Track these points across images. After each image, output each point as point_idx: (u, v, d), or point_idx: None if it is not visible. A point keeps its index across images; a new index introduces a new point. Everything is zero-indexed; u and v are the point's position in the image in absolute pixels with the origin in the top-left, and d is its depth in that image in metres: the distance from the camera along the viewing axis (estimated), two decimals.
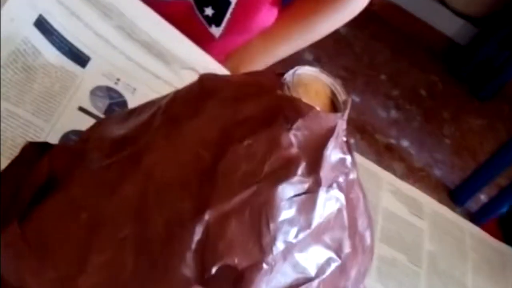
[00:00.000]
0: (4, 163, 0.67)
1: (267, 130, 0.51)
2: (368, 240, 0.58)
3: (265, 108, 0.52)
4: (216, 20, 1.07)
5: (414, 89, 3.32)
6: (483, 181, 2.92)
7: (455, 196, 2.88)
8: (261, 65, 1.17)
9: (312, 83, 0.52)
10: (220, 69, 0.91)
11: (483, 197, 3.00)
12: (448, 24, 3.47)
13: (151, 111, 0.57)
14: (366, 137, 2.85)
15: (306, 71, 0.52)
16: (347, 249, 0.55)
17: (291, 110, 0.51)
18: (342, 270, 0.55)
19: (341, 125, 0.53)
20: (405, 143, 3.04)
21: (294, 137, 0.51)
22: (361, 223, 0.57)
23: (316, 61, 2.98)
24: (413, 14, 3.45)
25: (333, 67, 3.04)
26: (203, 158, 0.51)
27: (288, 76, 0.52)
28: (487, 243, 1.03)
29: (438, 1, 3.30)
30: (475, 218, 2.74)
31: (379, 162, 1.98)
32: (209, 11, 1.06)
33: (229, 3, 1.04)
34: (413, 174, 2.92)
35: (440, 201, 1.02)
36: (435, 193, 2.81)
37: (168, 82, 0.85)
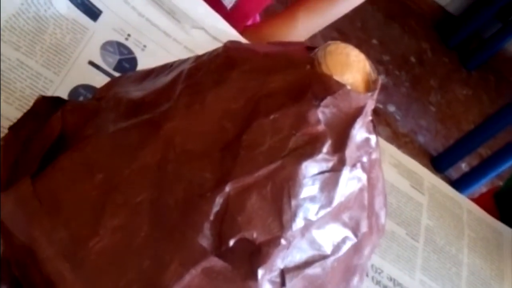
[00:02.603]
0: (13, 114, 0.66)
1: (295, 105, 0.50)
2: (382, 219, 0.58)
3: (294, 83, 0.50)
4: None
5: (404, 55, 3.31)
6: (466, 150, 2.95)
7: (436, 163, 2.90)
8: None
9: (343, 59, 0.51)
10: (230, 32, 0.89)
11: (464, 166, 3.02)
12: None
13: (172, 76, 0.56)
14: None
15: (337, 46, 0.51)
16: (364, 228, 0.54)
17: (321, 86, 0.50)
18: (356, 248, 0.55)
19: (370, 105, 0.52)
20: (391, 108, 3.05)
21: (321, 114, 0.50)
22: (378, 202, 0.57)
23: None
24: None
25: (326, 28, 3.01)
26: (227, 130, 0.50)
27: (319, 50, 0.51)
28: (484, 221, 1.03)
29: None
30: (455, 186, 2.76)
31: None
32: None
33: None
34: (397, 139, 2.93)
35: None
36: (417, 159, 2.81)
37: (178, 41, 0.83)
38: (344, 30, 3.09)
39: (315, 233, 0.51)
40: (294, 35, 1.14)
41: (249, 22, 1.18)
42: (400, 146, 2.89)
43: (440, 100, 3.31)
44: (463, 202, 1.02)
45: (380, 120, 2.95)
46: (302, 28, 1.17)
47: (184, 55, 0.82)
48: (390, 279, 0.85)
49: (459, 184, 2.78)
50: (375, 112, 2.90)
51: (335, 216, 0.52)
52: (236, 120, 0.50)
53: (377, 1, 3.37)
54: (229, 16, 1.07)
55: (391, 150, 1.00)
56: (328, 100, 0.50)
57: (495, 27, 3.42)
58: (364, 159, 0.53)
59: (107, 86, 0.63)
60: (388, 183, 0.93)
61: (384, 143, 0.99)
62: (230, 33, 0.89)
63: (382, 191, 0.57)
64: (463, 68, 3.50)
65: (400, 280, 0.86)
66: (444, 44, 3.50)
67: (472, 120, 3.24)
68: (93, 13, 0.78)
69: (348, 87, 0.50)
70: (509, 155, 2.67)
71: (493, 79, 3.57)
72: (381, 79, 3.05)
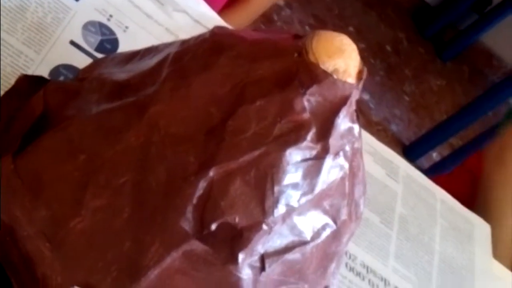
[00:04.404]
0: None
1: (281, 92, 0.50)
2: (361, 207, 0.59)
3: (280, 70, 0.51)
4: None
5: (380, 44, 3.33)
6: (437, 140, 2.97)
7: (408, 152, 2.92)
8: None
9: (336, 45, 0.51)
10: (212, 15, 0.89)
11: (435, 155, 3.04)
12: None
13: (157, 59, 0.56)
14: None
15: (329, 34, 0.52)
16: (343, 216, 0.55)
17: (307, 75, 0.50)
18: (335, 236, 0.55)
19: (355, 94, 0.52)
20: (365, 97, 3.06)
21: (307, 102, 0.50)
22: (358, 191, 0.57)
23: (288, 7, 2.97)
24: None
25: (303, 14, 3.02)
26: (212, 115, 0.50)
27: (307, 39, 0.51)
28: (457, 211, 1.04)
29: None
30: (425, 175, 2.78)
31: None
32: None
33: None
34: (370, 127, 2.94)
35: None
36: (390, 147, 2.83)
37: (160, 23, 0.83)
38: (321, 16, 3.09)
39: (296, 219, 0.52)
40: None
41: None
42: (373, 134, 2.89)
43: (414, 89, 3.33)
44: (437, 191, 1.03)
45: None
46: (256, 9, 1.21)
47: (165, 37, 0.82)
48: (364, 266, 0.86)
49: (429, 173, 2.80)
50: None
51: (316, 203, 0.52)
52: (222, 105, 0.51)
53: None
54: None
55: (367, 138, 1.00)
56: (314, 88, 0.50)
57: (471, 19, 3.43)
58: (347, 148, 0.53)
59: (90, 67, 0.63)
60: (364, 171, 0.93)
61: (362, 132, 0.99)
62: (212, 16, 0.89)
63: (362, 180, 0.58)
64: (438, 59, 3.52)
65: (373, 267, 0.87)
66: (420, 34, 3.51)
67: (445, 110, 3.26)
68: None
69: (335, 76, 0.50)
70: (479, 146, 2.70)
71: (467, 71, 3.60)
72: None
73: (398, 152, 1.04)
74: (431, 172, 2.82)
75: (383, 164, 0.99)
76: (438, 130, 2.94)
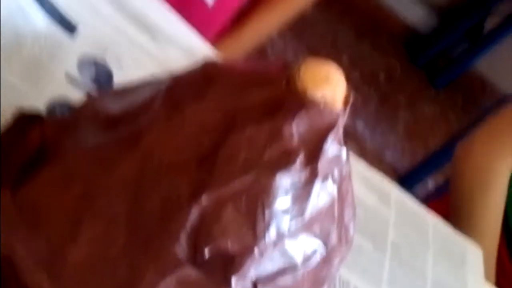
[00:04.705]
0: None
1: (270, 120, 0.52)
2: (351, 231, 0.60)
3: (269, 98, 0.52)
4: None
5: (373, 72, 3.35)
6: (432, 168, 2.98)
7: (403, 181, 2.93)
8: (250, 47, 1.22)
9: (323, 74, 0.53)
10: (204, 48, 0.91)
11: (430, 184, 3.05)
12: (411, 12, 3.52)
13: (151, 91, 0.58)
14: None
15: (316, 62, 0.53)
16: (334, 240, 0.56)
17: (295, 102, 0.52)
18: (326, 260, 0.57)
19: (342, 121, 0.54)
20: (360, 125, 3.08)
21: (295, 129, 0.52)
22: (347, 214, 0.59)
23: (281, 38, 2.99)
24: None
25: (296, 45, 3.05)
26: (204, 143, 0.52)
27: (295, 67, 0.53)
28: (449, 236, 1.05)
29: None
30: (421, 203, 2.79)
31: None
32: None
33: None
34: (365, 155, 2.94)
35: None
36: (384, 175, 2.84)
37: (154, 57, 0.85)
38: (314, 46, 3.12)
39: (287, 243, 0.53)
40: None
41: (230, 18, 1.23)
42: (367, 162, 2.91)
43: (408, 117, 3.35)
44: (429, 217, 1.05)
45: (349, 136, 2.97)
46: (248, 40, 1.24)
47: (159, 70, 0.83)
48: None
49: (425, 202, 2.80)
50: (344, 128, 2.93)
51: (306, 227, 0.54)
52: (213, 133, 0.52)
53: (349, 18, 3.41)
54: (211, 13, 1.11)
55: (360, 165, 1.02)
56: (302, 115, 0.52)
57: (463, 46, 3.46)
58: (335, 172, 0.55)
59: (85, 101, 0.65)
60: (356, 197, 0.95)
61: (353, 158, 1.01)
62: (204, 48, 0.91)
63: (351, 203, 0.59)
64: (431, 87, 3.54)
65: None
66: (413, 62, 3.54)
67: (439, 138, 3.28)
68: (71, 27, 0.79)
69: (322, 103, 0.52)
70: None
71: (461, 98, 3.62)
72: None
73: (393, 181, 1.05)
74: (427, 200, 2.82)
75: (375, 190, 1.00)
76: (432, 158, 2.95)
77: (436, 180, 3.04)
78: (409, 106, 3.38)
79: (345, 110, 0.54)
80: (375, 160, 2.97)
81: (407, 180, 2.94)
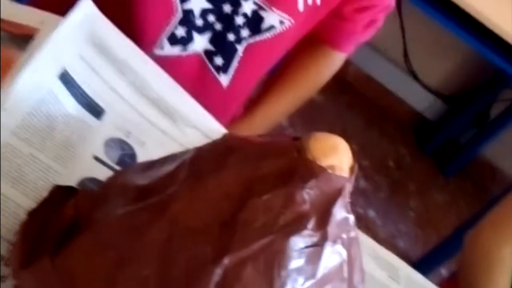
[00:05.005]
0: (27, 203, 0.73)
1: (284, 187, 0.58)
2: None
3: (283, 168, 0.59)
4: (224, 68, 1.16)
5: (383, 160, 3.39)
6: (445, 256, 2.97)
7: (417, 268, 2.93)
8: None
9: (330, 144, 0.59)
10: (221, 130, 0.97)
11: (443, 271, 3.06)
12: (419, 99, 3.57)
13: (176, 164, 0.64)
14: None
15: (324, 134, 0.60)
16: None
17: (306, 171, 0.58)
18: None
19: (348, 187, 0.60)
20: (371, 213, 3.10)
21: (307, 195, 0.58)
22: (356, 277, 0.64)
23: (291, 126, 3.06)
24: (386, 87, 3.55)
25: (306, 132, 3.10)
26: (225, 209, 0.58)
27: (304, 139, 0.59)
28: None
29: (411, 77, 3.40)
30: None
31: None
32: (218, 61, 1.14)
33: (235, 50, 1.13)
34: (377, 243, 2.97)
35: None
36: None
37: (174, 138, 0.91)
38: None
39: None
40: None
41: (244, 101, 1.30)
42: None
43: (419, 205, 3.37)
44: None
45: (361, 225, 2.99)
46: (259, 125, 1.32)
47: (179, 150, 0.90)
48: None
49: None
50: (356, 217, 2.96)
51: (319, 287, 0.59)
52: (233, 200, 0.58)
53: (357, 106, 3.47)
54: (226, 94, 1.18)
55: (370, 243, 1.07)
56: (312, 182, 0.58)
57: (471, 133, 3.51)
58: (344, 235, 0.60)
59: (114, 176, 0.71)
60: (367, 274, 0.99)
61: (364, 237, 1.06)
62: (220, 131, 0.97)
63: (360, 268, 0.64)
64: (441, 174, 3.57)
65: None
66: (422, 149, 3.58)
67: (451, 225, 3.28)
68: (98, 112, 0.86)
69: (330, 170, 0.58)
70: None
71: (470, 185, 3.63)
72: (361, 184, 3.13)
73: None
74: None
75: (385, 267, 1.05)
76: (445, 245, 2.95)
77: (449, 267, 3.05)
78: (420, 194, 3.41)
79: (351, 178, 0.59)
80: (388, 248, 2.95)
81: (420, 267, 2.93)
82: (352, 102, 3.48)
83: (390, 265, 1.06)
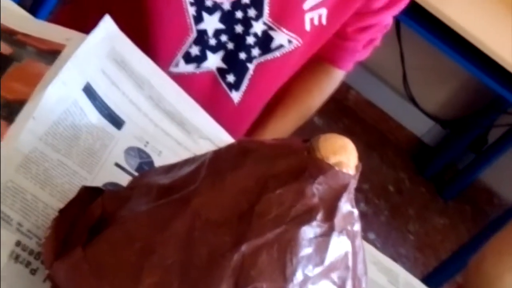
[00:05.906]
0: (56, 204, 0.79)
1: (295, 183, 0.64)
2: (363, 284, 0.71)
3: (294, 166, 0.65)
4: (236, 86, 1.22)
5: (383, 184, 3.44)
6: (444, 279, 3.01)
7: None
8: None
9: (339, 143, 0.66)
10: (231, 141, 1.04)
11: None
12: (418, 125, 3.62)
13: (195, 165, 0.70)
14: None
15: (333, 135, 0.66)
16: (348, 287, 0.68)
17: (315, 168, 0.65)
18: None
19: (353, 183, 0.66)
20: (371, 236, 3.15)
21: (316, 190, 0.64)
22: (360, 268, 0.70)
23: None
24: (386, 112, 3.61)
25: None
26: (242, 203, 0.64)
27: (313, 141, 0.66)
28: None
29: (411, 102, 3.46)
30: None
31: None
32: (231, 78, 1.21)
33: (247, 69, 1.20)
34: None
35: None
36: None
37: (188, 148, 0.98)
38: None
39: (311, 287, 0.64)
40: None
41: (254, 118, 1.37)
42: None
43: (418, 229, 3.41)
44: None
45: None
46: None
47: None
48: None
49: None
50: None
51: (326, 274, 0.65)
52: (250, 195, 0.65)
53: (357, 131, 3.53)
54: (237, 110, 1.24)
55: (371, 250, 1.13)
56: (321, 178, 0.64)
57: (469, 158, 3.56)
58: (349, 228, 0.67)
59: (138, 177, 0.77)
60: (368, 278, 1.05)
61: (365, 244, 1.12)
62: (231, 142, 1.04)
63: (363, 260, 0.71)
64: (440, 198, 3.61)
65: None
66: (421, 174, 3.63)
67: (450, 249, 3.32)
68: (118, 123, 0.93)
69: (337, 167, 0.65)
70: None
71: (469, 209, 3.67)
72: (361, 208, 3.17)
73: None
74: None
75: (385, 272, 1.11)
76: (444, 268, 2.99)
77: None
78: (419, 217, 3.45)
79: (355, 175, 0.66)
80: None
81: None
82: (352, 127, 3.53)
83: (390, 271, 1.12)
